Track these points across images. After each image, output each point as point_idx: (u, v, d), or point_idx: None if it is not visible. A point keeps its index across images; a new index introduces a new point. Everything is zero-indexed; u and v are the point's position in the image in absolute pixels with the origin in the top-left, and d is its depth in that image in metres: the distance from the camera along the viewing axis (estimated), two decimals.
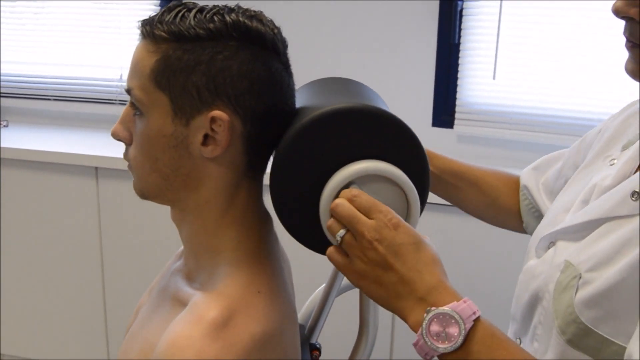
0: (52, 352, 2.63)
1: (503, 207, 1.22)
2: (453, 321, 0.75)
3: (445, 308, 0.75)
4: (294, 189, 0.84)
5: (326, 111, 0.82)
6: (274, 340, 0.84)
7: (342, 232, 0.80)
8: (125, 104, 2.72)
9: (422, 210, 0.87)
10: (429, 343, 0.75)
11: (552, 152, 1.24)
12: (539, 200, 1.19)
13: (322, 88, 0.96)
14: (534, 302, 0.94)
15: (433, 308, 0.75)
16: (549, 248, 0.96)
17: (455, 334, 0.75)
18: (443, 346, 0.75)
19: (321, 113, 0.82)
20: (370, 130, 0.83)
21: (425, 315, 0.76)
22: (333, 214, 0.81)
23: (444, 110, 2.37)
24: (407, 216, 0.85)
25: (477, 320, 0.76)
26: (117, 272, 2.49)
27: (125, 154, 0.92)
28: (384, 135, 0.83)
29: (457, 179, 1.21)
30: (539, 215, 1.20)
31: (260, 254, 0.91)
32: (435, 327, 0.75)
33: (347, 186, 0.83)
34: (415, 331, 0.77)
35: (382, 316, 2.03)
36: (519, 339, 0.99)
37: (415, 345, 0.77)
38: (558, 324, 0.86)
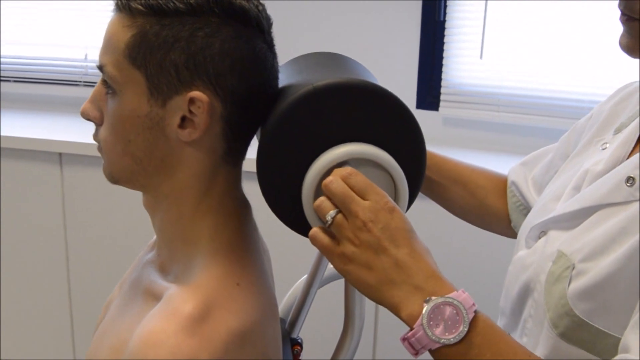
0: (13, 352, 2.61)
1: (491, 208, 1.22)
2: (455, 311, 0.75)
3: (449, 297, 0.75)
4: (283, 170, 0.85)
5: (319, 86, 0.82)
6: (254, 335, 0.84)
7: (333, 212, 0.80)
8: (91, 86, 2.70)
9: (410, 203, 0.88)
10: (429, 334, 0.75)
11: (542, 147, 1.23)
12: (528, 196, 1.18)
13: (309, 63, 0.96)
14: (524, 294, 0.94)
15: (433, 297, 0.75)
16: (539, 238, 0.96)
17: (458, 325, 0.75)
18: (447, 337, 0.75)
19: (315, 88, 0.82)
20: (365, 109, 0.83)
21: (425, 305, 0.75)
22: (325, 191, 0.81)
23: (429, 92, 2.37)
24: None
25: (476, 311, 0.77)
26: (83, 265, 2.48)
27: (95, 135, 0.91)
28: (379, 115, 0.84)
29: (443, 177, 1.20)
30: (527, 213, 1.19)
31: (239, 244, 0.91)
32: (437, 318, 0.75)
33: (338, 167, 0.84)
34: (410, 323, 0.76)
35: (365, 312, 2.02)
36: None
37: (409, 338, 0.76)
38: (550, 317, 0.86)
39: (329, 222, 0.80)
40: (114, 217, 2.41)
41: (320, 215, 0.82)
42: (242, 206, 0.96)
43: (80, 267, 2.49)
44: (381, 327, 2.23)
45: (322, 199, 0.82)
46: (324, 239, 0.81)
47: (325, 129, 0.83)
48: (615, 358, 0.78)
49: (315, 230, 0.82)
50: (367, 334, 2.23)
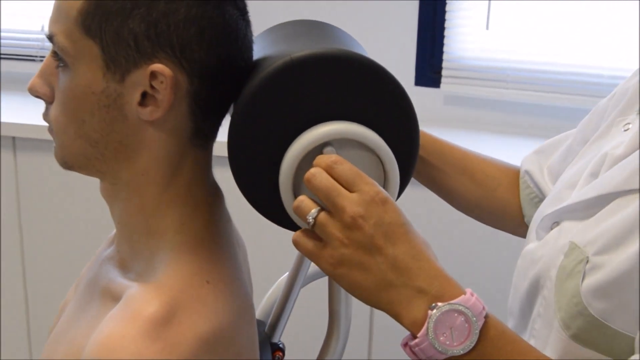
0: None
1: (501, 201, 1.20)
2: (464, 319, 0.75)
3: (456, 303, 0.76)
4: (258, 153, 0.85)
5: (298, 57, 0.82)
6: (225, 339, 0.84)
7: (314, 211, 0.80)
8: None
9: (400, 191, 0.88)
10: (436, 345, 0.75)
11: (556, 129, 1.24)
12: (543, 187, 1.17)
13: (287, 33, 0.96)
14: (533, 291, 0.94)
15: (440, 303, 0.75)
16: (551, 229, 0.96)
17: (467, 334, 0.75)
18: (455, 348, 0.75)
19: (293, 59, 0.82)
20: (350, 84, 0.83)
21: (430, 312, 0.75)
22: (308, 186, 0.81)
23: (429, 67, 2.38)
24: None
25: (486, 316, 0.77)
26: (40, 260, 2.48)
27: (45, 115, 0.91)
28: (366, 90, 0.84)
29: (446, 164, 1.19)
30: None
31: (210, 237, 0.91)
32: (444, 326, 0.75)
33: (317, 152, 0.84)
34: (414, 330, 0.77)
35: (359, 312, 2.05)
36: None
37: (412, 346, 0.77)
38: (561, 317, 0.86)
39: (311, 224, 0.80)
40: (74, 208, 2.40)
41: (300, 217, 0.81)
42: (213, 195, 0.96)
43: (36, 262, 2.48)
44: (377, 326, 2.24)
45: (301, 198, 0.81)
46: (308, 243, 0.81)
47: (305, 107, 0.84)
48: (631, 358, 0.78)
49: (297, 235, 0.82)
50: (362, 333, 2.23)
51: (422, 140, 1.11)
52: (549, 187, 1.16)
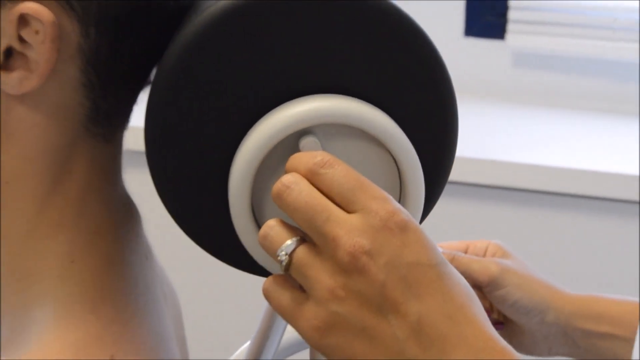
0: None
1: None
2: None
3: None
4: (193, 151, 0.85)
5: None
6: None
7: (289, 244, 0.79)
8: None
9: (429, 208, 0.89)
10: None
11: None
12: None
13: None
14: None
15: None
16: None
17: None
18: None
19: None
20: (343, 33, 0.83)
21: None
22: (279, 204, 0.81)
23: (488, 7, 2.44)
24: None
25: None
26: None
27: None
28: (368, 43, 0.83)
29: (628, 329, 1.25)
30: None
31: (115, 284, 0.92)
32: None
33: (290, 147, 0.83)
34: None
35: None
36: None
37: None
38: None
39: (284, 263, 0.79)
40: None
41: (268, 252, 0.81)
42: (123, 213, 0.96)
43: None
44: None
45: (269, 224, 0.81)
46: (282, 295, 0.81)
47: (271, 71, 0.83)
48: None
49: (268, 283, 0.82)
50: None
51: (559, 303, 1.26)
52: None
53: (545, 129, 2.30)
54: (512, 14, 2.39)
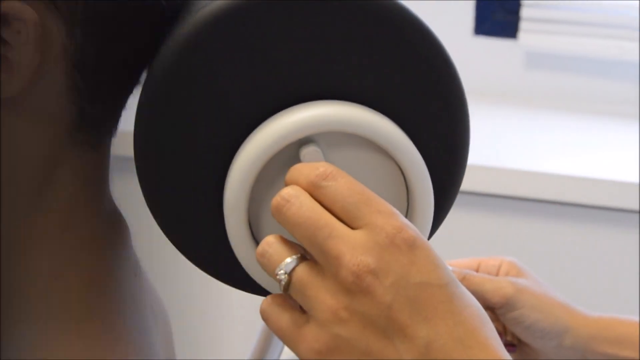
0: None
1: None
2: None
3: None
4: (186, 161, 0.86)
5: None
6: None
7: (288, 262, 0.80)
8: None
9: (438, 223, 0.89)
10: None
11: None
12: None
13: None
14: None
15: None
16: None
17: None
18: None
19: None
20: (347, 35, 0.83)
21: None
22: (279, 218, 0.81)
23: (500, 5, 2.45)
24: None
25: None
26: None
27: None
28: (372, 45, 0.84)
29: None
30: None
31: (100, 300, 0.92)
32: None
33: (290, 157, 0.84)
34: None
35: None
36: None
37: None
38: None
39: (284, 282, 0.79)
40: None
41: (266, 270, 0.81)
42: (110, 227, 0.96)
43: None
44: None
45: (268, 240, 0.81)
46: (281, 316, 0.81)
47: (270, 75, 0.84)
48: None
49: (266, 303, 0.82)
50: None
51: (578, 326, 1.26)
52: None
53: (559, 134, 2.29)
54: (524, 12, 2.38)
